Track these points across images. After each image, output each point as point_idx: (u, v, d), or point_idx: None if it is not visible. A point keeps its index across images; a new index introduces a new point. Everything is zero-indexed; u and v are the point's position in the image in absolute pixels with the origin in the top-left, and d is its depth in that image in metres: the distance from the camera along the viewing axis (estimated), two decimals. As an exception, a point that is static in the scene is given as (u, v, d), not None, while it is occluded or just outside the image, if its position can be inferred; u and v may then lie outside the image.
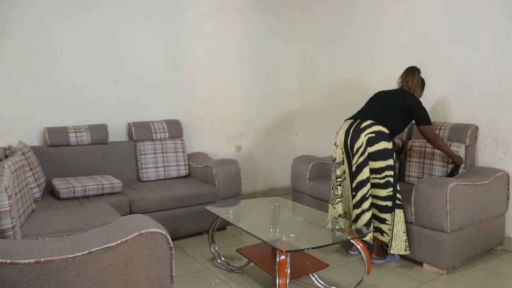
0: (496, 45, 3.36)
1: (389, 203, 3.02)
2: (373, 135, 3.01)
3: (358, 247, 2.59)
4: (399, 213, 3.02)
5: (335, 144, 3.24)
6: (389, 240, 3.03)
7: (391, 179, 3.02)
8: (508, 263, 3.17)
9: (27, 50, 3.69)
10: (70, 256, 1.48)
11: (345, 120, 3.29)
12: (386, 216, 3.03)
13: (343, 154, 3.19)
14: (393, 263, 3.15)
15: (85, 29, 3.94)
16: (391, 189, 3.02)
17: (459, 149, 3.35)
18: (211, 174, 3.87)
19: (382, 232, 3.06)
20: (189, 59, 4.59)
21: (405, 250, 3.02)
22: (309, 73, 5.31)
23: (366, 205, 3.02)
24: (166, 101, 4.48)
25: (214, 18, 4.72)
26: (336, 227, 2.95)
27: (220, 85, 4.85)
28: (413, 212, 3.03)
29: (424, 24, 3.88)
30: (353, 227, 2.99)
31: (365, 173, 3.02)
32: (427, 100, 3.87)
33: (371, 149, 3.01)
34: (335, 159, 3.25)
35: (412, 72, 3.31)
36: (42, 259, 1.43)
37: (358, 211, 3.04)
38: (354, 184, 3.08)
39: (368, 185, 3.03)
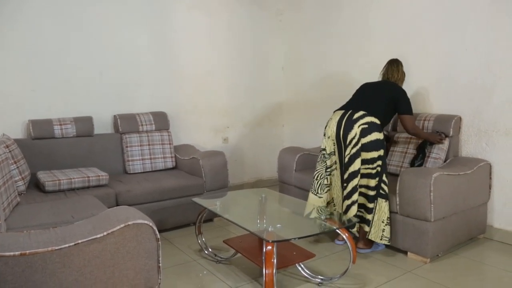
0: (480, 37, 3.40)
1: (374, 192, 3.07)
2: (366, 126, 3.04)
3: (344, 236, 2.62)
4: (381, 202, 3.06)
5: (325, 135, 3.25)
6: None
7: (380, 169, 3.07)
8: (490, 251, 3.24)
9: (9, 41, 3.63)
10: (56, 248, 1.48)
11: (334, 111, 3.30)
12: (371, 205, 3.08)
13: (334, 145, 3.21)
14: (378, 252, 3.19)
15: (70, 20, 3.89)
16: (378, 178, 3.07)
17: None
18: (198, 166, 3.87)
19: (369, 222, 3.10)
20: (176, 51, 4.56)
21: (381, 239, 3.06)
22: (295, 65, 5.32)
23: (355, 196, 3.05)
24: (152, 93, 4.45)
25: (200, 10, 4.69)
26: (322, 217, 2.98)
27: (207, 77, 4.83)
28: (397, 202, 3.07)
29: (409, 17, 3.91)
30: (343, 217, 3.03)
31: (356, 164, 3.04)
32: (412, 91, 3.92)
33: (364, 140, 3.03)
34: (324, 149, 3.27)
35: (396, 65, 3.42)
36: (27, 251, 1.43)
37: (348, 202, 3.06)
38: (346, 175, 3.08)
39: (359, 177, 3.06)
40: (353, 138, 3.04)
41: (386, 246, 3.26)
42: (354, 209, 3.04)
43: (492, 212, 3.44)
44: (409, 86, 3.95)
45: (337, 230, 2.67)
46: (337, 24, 4.68)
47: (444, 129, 3.44)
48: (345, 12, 4.56)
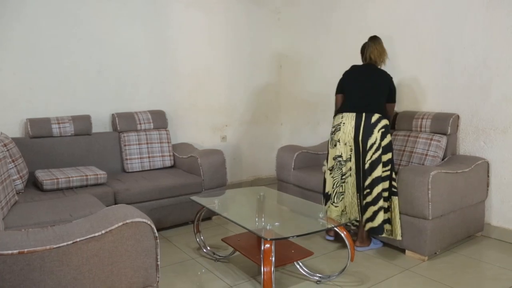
0: (477, 35, 3.41)
1: (387, 193, 3.07)
2: (384, 129, 3.05)
3: (342, 235, 2.63)
4: (394, 199, 3.06)
5: (340, 141, 3.14)
6: (390, 228, 3.09)
7: (392, 169, 3.09)
8: (487, 249, 3.25)
9: (7, 40, 3.62)
10: (54, 246, 1.48)
11: (342, 113, 3.17)
12: (386, 204, 3.07)
13: (351, 151, 3.12)
14: (376, 251, 3.20)
15: (67, 19, 3.88)
16: (391, 179, 3.08)
17: (441, 141, 3.40)
18: (196, 165, 3.87)
19: (389, 221, 3.10)
20: (174, 49, 4.56)
21: (401, 236, 3.06)
22: (293, 63, 5.32)
23: (381, 202, 3.03)
24: (150, 92, 4.45)
25: (198, 8, 4.69)
26: (320, 215, 2.98)
27: (205, 75, 4.83)
28: (396, 200, 3.08)
29: (407, 14, 3.91)
30: (370, 225, 3.04)
31: (379, 170, 3.02)
32: (410, 89, 3.92)
33: (383, 143, 3.04)
34: (340, 156, 3.16)
35: (378, 41, 3.29)
36: (25, 250, 1.43)
37: (375, 208, 3.03)
38: (368, 181, 3.05)
39: (383, 183, 3.04)
40: (374, 143, 3.02)
41: (384, 244, 3.27)
42: (381, 215, 3.02)
43: (490, 210, 3.45)
44: (407, 84, 3.96)
45: (335, 229, 2.67)
46: (335, 21, 4.68)
47: (442, 127, 3.44)
48: (343, 10, 4.56)
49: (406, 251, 3.10)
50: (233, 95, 5.08)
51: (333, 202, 3.22)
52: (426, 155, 3.40)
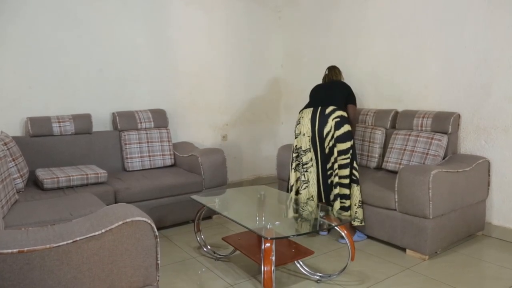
0: (478, 34, 3.40)
1: (348, 180, 3.31)
2: (338, 119, 3.29)
3: (343, 234, 2.63)
4: (354, 187, 3.31)
5: (300, 132, 3.43)
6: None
7: (351, 158, 3.32)
8: (488, 248, 3.24)
9: (7, 38, 3.62)
10: (54, 245, 1.47)
11: (301, 110, 3.49)
12: (347, 191, 3.29)
13: (309, 141, 3.38)
14: (377, 249, 3.20)
15: (67, 17, 3.87)
16: (350, 166, 3.32)
17: (441, 140, 3.39)
18: (196, 164, 3.86)
19: (347, 209, 3.29)
20: (174, 48, 4.56)
21: (354, 220, 3.29)
22: (294, 62, 5.31)
23: (338, 189, 3.31)
24: (151, 90, 4.44)
25: (199, 7, 4.68)
26: (320, 214, 2.98)
27: (205, 74, 4.82)
28: (396, 199, 3.07)
29: (407, 14, 3.90)
30: (334, 211, 3.15)
31: (335, 154, 3.29)
32: (410, 88, 3.92)
33: (338, 133, 3.28)
34: (299, 147, 3.44)
35: (337, 70, 3.77)
36: (25, 249, 1.42)
37: (336, 190, 3.30)
38: (330, 164, 3.34)
39: (341, 170, 3.31)
40: (329, 131, 3.29)
41: (386, 243, 3.27)
42: (338, 202, 3.30)
43: (491, 209, 3.44)
44: (407, 83, 3.95)
45: (336, 228, 2.67)
46: (335, 20, 4.67)
47: (443, 126, 3.44)
48: (344, 9, 4.55)
49: (407, 250, 3.10)
50: (234, 94, 5.08)
51: (299, 190, 3.49)
52: (427, 154, 3.39)
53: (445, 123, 3.43)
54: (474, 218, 3.33)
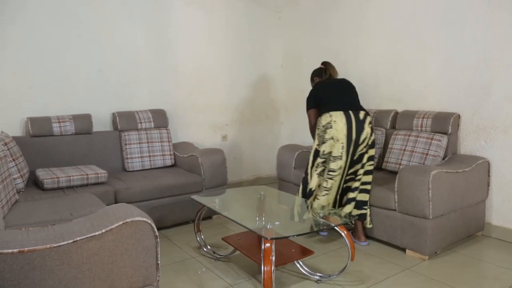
0: (478, 34, 3.40)
1: (370, 186, 3.29)
2: (371, 124, 3.25)
3: (342, 234, 2.63)
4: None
5: (332, 138, 3.16)
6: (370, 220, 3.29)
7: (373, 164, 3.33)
8: (488, 248, 3.24)
9: (8, 39, 3.62)
10: (54, 245, 1.47)
11: (330, 112, 3.19)
12: (367, 198, 3.27)
13: (342, 148, 3.16)
14: (376, 250, 3.20)
15: (68, 17, 3.88)
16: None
17: (441, 140, 3.40)
18: (196, 164, 3.87)
19: (364, 216, 3.25)
20: (174, 48, 4.56)
21: (369, 224, 3.29)
22: (294, 62, 5.31)
23: (356, 193, 3.24)
24: (151, 91, 4.45)
25: (199, 7, 4.69)
26: (321, 214, 2.99)
27: (205, 74, 4.83)
28: (396, 199, 3.08)
29: (407, 14, 3.91)
30: (344, 211, 3.15)
31: (364, 160, 3.23)
32: (410, 88, 3.92)
33: (371, 139, 3.24)
34: (329, 153, 3.20)
35: (333, 66, 3.62)
36: (25, 249, 1.43)
37: (353, 194, 3.23)
38: (352, 170, 3.27)
39: (362, 171, 3.25)
40: (366, 138, 3.20)
41: (385, 243, 3.29)
42: (355, 203, 3.24)
43: (491, 209, 3.44)
44: (407, 83, 3.95)
45: (335, 228, 2.67)
46: (335, 21, 4.67)
47: (443, 127, 3.44)
48: (344, 9, 4.56)
49: (407, 250, 3.10)
50: (234, 94, 5.08)
51: (317, 196, 3.32)
52: (427, 154, 3.39)
53: (445, 124, 3.43)
54: (474, 218, 3.33)
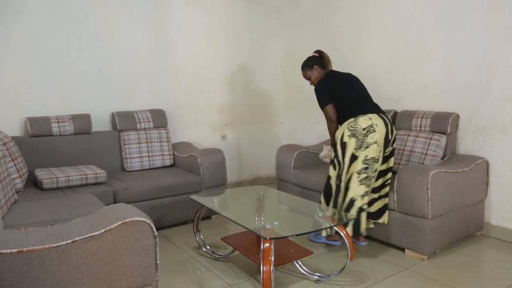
0: (478, 34, 3.40)
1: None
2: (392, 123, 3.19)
3: (342, 234, 2.63)
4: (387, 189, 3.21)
5: (375, 142, 2.97)
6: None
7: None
8: (487, 248, 3.25)
9: (7, 38, 3.62)
10: (53, 245, 1.48)
11: (367, 114, 3.03)
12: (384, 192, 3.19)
13: (380, 152, 3.03)
14: (376, 249, 3.20)
15: (67, 17, 3.87)
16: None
17: (440, 140, 3.40)
18: (196, 164, 3.87)
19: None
20: (173, 48, 4.56)
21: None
22: (293, 62, 5.30)
23: (383, 191, 3.15)
24: (150, 91, 4.44)
25: (199, 7, 4.68)
26: (320, 214, 2.99)
27: (205, 74, 4.83)
28: (395, 199, 3.08)
29: (407, 14, 3.91)
30: (380, 221, 3.13)
31: (390, 162, 3.17)
32: (410, 88, 3.92)
33: (395, 137, 3.19)
34: (373, 158, 2.99)
35: (325, 52, 3.46)
36: (24, 249, 1.43)
37: (375, 195, 3.13)
38: (383, 167, 3.17)
39: (390, 174, 3.17)
40: (394, 138, 3.16)
41: (384, 243, 3.29)
42: (378, 204, 3.16)
43: (490, 209, 3.45)
44: (406, 83, 3.95)
45: (335, 228, 2.68)
46: (335, 21, 4.67)
47: (442, 127, 3.44)
48: (344, 9, 4.56)
49: (406, 250, 3.10)
50: (233, 94, 5.08)
51: (363, 208, 3.03)
52: (426, 154, 3.40)
53: (444, 123, 3.44)
54: (473, 218, 3.33)
